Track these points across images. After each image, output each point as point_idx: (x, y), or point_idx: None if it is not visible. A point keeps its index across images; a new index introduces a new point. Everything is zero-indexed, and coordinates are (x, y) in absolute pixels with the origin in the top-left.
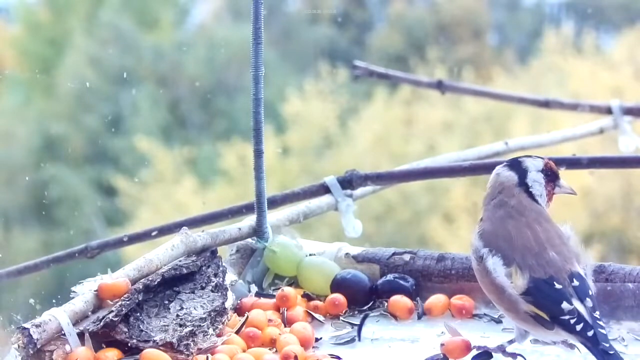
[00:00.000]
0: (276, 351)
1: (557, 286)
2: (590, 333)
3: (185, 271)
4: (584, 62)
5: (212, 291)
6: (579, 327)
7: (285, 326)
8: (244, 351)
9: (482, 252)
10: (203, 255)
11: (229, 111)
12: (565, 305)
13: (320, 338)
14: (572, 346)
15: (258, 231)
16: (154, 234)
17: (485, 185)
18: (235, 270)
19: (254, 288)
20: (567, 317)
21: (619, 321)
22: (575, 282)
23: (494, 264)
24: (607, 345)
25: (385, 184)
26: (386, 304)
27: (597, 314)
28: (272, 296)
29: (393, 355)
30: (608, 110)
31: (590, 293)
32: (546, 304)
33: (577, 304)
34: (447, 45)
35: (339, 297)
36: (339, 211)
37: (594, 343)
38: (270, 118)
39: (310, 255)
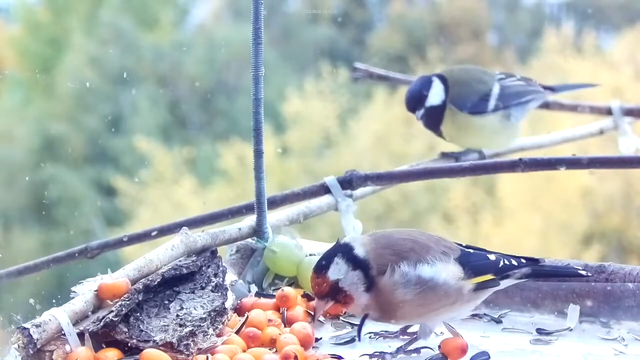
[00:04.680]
0: (276, 351)
1: (469, 250)
2: (523, 261)
3: (185, 271)
4: (584, 62)
5: (212, 291)
6: (515, 262)
7: (285, 326)
8: (244, 351)
9: (414, 274)
10: (203, 255)
11: (229, 111)
12: (491, 256)
13: (320, 338)
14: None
15: (258, 231)
16: (154, 234)
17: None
18: (235, 270)
19: (254, 288)
20: (501, 263)
21: (619, 321)
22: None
23: (432, 271)
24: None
25: (385, 184)
26: None
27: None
28: (272, 296)
29: None
30: (608, 111)
31: None
32: (482, 267)
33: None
34: (447, 45)
35: None
36: (339, 211)
37: (534, 260)
38: (270, 118)
39: (310, 255)
